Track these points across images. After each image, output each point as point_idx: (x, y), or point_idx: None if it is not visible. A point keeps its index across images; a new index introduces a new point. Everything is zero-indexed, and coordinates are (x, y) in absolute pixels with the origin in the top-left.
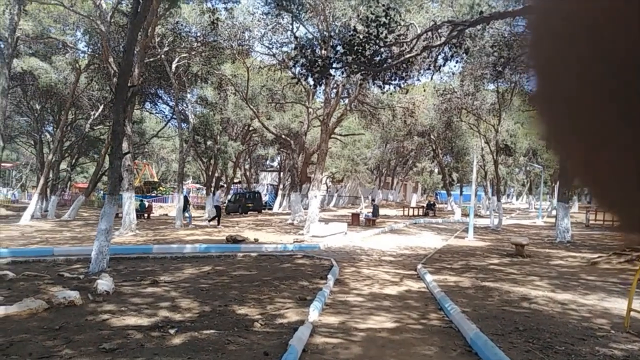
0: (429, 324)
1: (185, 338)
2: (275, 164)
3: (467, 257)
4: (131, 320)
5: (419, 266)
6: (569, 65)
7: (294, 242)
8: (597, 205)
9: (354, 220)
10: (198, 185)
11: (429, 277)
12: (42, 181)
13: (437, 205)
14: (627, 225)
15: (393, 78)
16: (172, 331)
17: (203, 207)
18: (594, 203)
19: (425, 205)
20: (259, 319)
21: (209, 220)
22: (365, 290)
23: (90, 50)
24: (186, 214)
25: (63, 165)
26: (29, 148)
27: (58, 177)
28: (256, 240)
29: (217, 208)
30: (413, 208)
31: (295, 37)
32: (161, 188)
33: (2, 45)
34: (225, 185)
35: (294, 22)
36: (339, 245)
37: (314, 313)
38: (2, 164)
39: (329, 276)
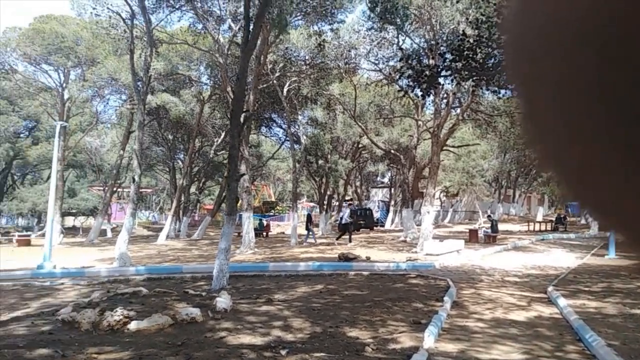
0: (565, 358)
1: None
2: (385, 179)
3: (609, 278)
4: (246, 338)
5: (550, 288)
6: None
7: (407, 260)
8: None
9: (472, 237)
10: (312, 204)
11: (562, 302)
12: (175, 204)
13: (568, 219)
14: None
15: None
16: (283, 352)
17: (317, 225)
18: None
19: (554, 219)
20: (371, 343)
21: (337, 239)
22: (487, 314)
23: (211, 82)
24: (310, 233)
25: (193, 189)
26: (165, 174)
27: (188, 200)
28: (368, 259)
29: (346, 225)
30: (539, 222)
31: (401, 49)
32: (278, 207)
33: (139, 84)
34: (351, 203)
35: (399, 35)
36: (456, 264)
37: (429, 339)
38: (143, 190)
39: (446, 298)
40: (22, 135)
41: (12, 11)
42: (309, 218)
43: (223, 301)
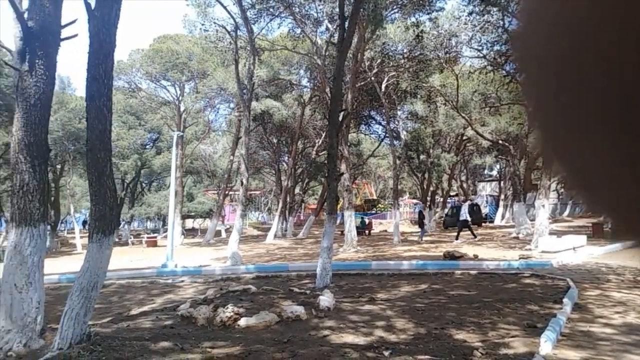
0: None
1: None
2: (494, 172)
3: None
4: (348, 338)
5: None
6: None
7: (520, 258)
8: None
9: (596, 232)
10: (415, 201)
11: None
12: (281, 204)
13: None
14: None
15: None
16: (386, 353)
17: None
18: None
19: None
20: (479, 347)
21: (456, 237)
22: (617, 319)
23: (311, 84)
24: (423, 230)
25: (297, 190)
26: (271, 177)
27: (293, 200)
28: (476, 257)
29: (465, 222)
30: None
31: (506, 31)
32: (380, 205)
33: (244, 92)
34: (470, 199)
35: (504, 16)
36: (577, 262)
37: (546, 345)
38: (252, 192)
39: (565, 300)
40: (147, 146)
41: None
42: (421, 215)
43: (326, 299)
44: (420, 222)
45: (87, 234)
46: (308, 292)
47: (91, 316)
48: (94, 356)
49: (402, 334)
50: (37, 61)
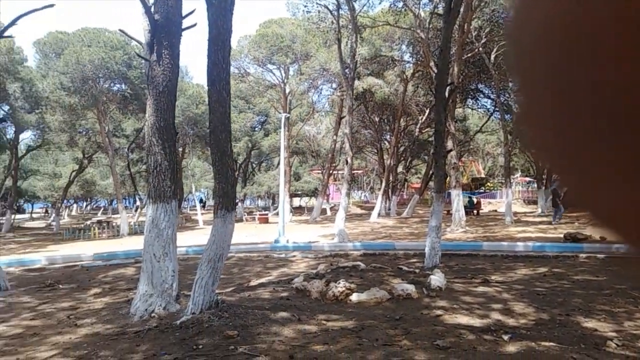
0: None
1: (521, 347)
2: None
3: None
4: (463, 319)
5: None
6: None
7: None
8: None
9: None
10: (528, 179)
11: None
12: (384, 183)
13: None
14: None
15: None
16: (505, 337)
17: (535, 202)
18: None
19: None
20: (614, 338)
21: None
22: None
23: (413, 59)
24: (559, 210)
25: (400, 168)
26: (373, 155)
27: (396, 179)
28: (603, 239)
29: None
30: None
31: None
32: (489, 184)
33: (347, 71)
34: None
35: None
36: None
37: None
38: (355, 171)
39: None
40: (256, 128)
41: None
42: (555, 193)
43: (437, 279)
44: (554, 201)
45: (204, 211)
46: (417, 271)
47: (218, 285)
48: (222, 321)
49: (521, 319)
50: (163, 51)
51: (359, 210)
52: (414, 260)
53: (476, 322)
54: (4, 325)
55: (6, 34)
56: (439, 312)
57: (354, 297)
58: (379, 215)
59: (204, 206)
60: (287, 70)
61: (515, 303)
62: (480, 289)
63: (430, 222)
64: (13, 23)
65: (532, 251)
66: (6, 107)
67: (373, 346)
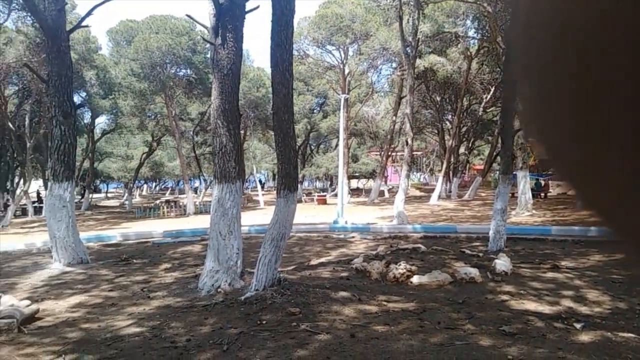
0: None
1: (595, 337)
2: None
3: None
4: (530, 305)
5: None
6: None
7: None
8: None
9: None
10: None
11: None
12: (444, 165)
13: None
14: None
15: None
16: (578, 325)
17: None
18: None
19: None
20: None
21: None
22: None
23: (479, 35)
24: None
25: (462, 149)
26: (434, 136)
27: (458, 161)
28: None
29: None
30: None
31: None
32: None
33: (408, 49)
34: None
35: None
36: None
37: None
38: (414, 152)
39: None
40: (315, 110)
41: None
42: None
43: (502, 263)
44: None
45: (264, 192)
46: (481, 254)
47: (280, 264)
48: (284, 299)
49: (595, 307)
50: (227, 35)
51: (418, 193)
52: (477, 243)
53: (545, 308)
54: (86, 295)
55: (83, 24)
56: (504, 297)
57: (415, 279)
58: (439, 197)
59: (263, 187)
60: (347, 51)
61: (588, 290)
62: (549, 274)
63: (495, 204)
64: (89, 13)
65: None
66: (83, 94)
67: (435, 329)
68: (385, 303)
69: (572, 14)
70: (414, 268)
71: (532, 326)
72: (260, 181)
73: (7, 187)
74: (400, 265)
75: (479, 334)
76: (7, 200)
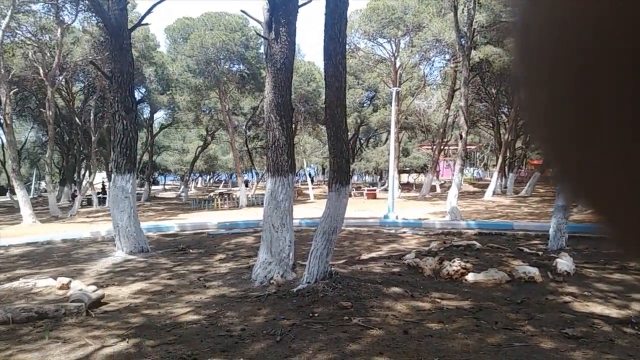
0: None
1: None
2: None
3: None
4: (596, 308)
5: None
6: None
7: None
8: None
9: None
10: None
11: None
12: (500, 160)
13: None
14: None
15: None
16: None
17: None
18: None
19: None
20: None
21: None
22: None
23: None
24: None
25: (518, 144)
26: (488, 130)
27: (514, 155)
28: None
29: None
30: None
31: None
32: None
33: (463, 40)
34: None
35: None
36: None
37: None
38: (468, 147)
39: None
40: (365, 104)
41: None
42: None
43: (565, 263)
44: None
45: (313, 186)
46: (540, 253)
47: (331, 257)
48: (335, 292)
49: None
50: (281, 29)
51: (471, 188)
52: (536, 241)
53: (612, 312)
54: (147, 282)
55: (142, 22)
56: (567, 298)
57: (470, 276)
58: (493, 193)
59: (312, 181)
60: (398, 43)
61: None
62: (617, 275)
63: (556, 201)
64: (149, 12)
65: None
66: (143, 90)
67: (492, 329)
68: (438, 300)
69: (573, 14)
70: (468, 265)
71: (598, 330)
72: (309, 175)
73: (75, 179)
74: (454, 262)
75: (540, 336)
76: (75, 191)
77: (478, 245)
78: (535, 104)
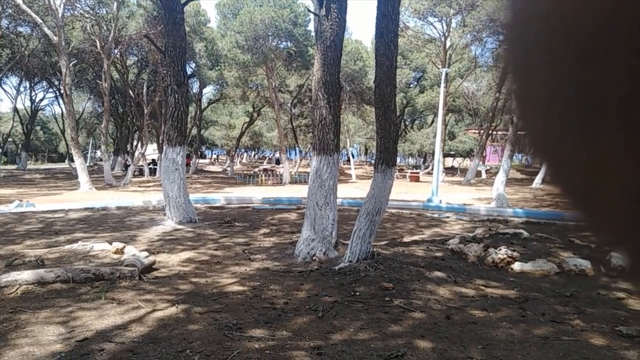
0: None
1: None
2: None
3: None
4: None
5: None
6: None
7: None
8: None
9: None
10: None
11: None
12: None
13: None
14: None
15: None
16: None
17: None
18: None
19: None
20: None
21: None
22: None
23: None
24: None
25: None
26: None
27: None
28: None
29: None
30: None
31: None
32: None
33: None
34: None
35: None
36: None
37: None
38: (519, 132)
39: None
40: (411, 85)
41: None
42: None
43: (620, 257)
44: None
45: (356, 166)
46: (593, 245)
47: (374, 238)
48: (377, 273)
49: None
50: (331, 5)
51: (519, 175)
52: (588, 233)
53: None
54: (195, 251)
55: None
56: (620, 294)
57: (516, 265)
58: (543, 181)
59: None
60: (449, 23)
61: None
62: None
63: None
64: None
65: None
66: (193, 65)
67: (539, 320)
68: (482, 288)
69: (570, 13)
70: (515, 254)
71: None
72: (352, 155)
73: (127, 149)
74: (500, 250)
75: (590, 331)
76: (127, 160)
77: (525, 234)
78: (528, 103)
